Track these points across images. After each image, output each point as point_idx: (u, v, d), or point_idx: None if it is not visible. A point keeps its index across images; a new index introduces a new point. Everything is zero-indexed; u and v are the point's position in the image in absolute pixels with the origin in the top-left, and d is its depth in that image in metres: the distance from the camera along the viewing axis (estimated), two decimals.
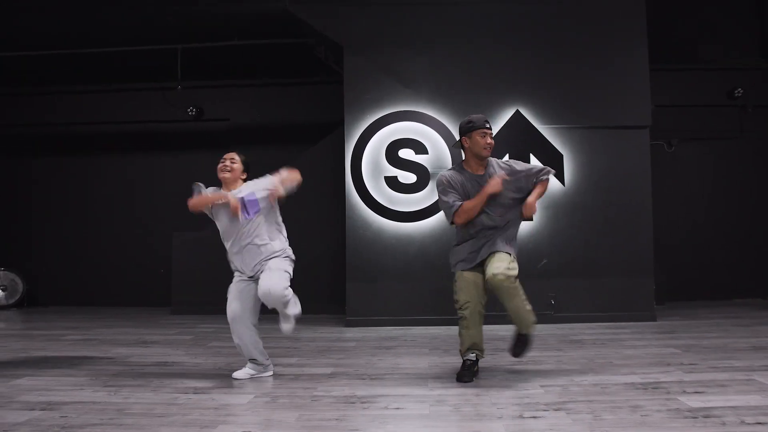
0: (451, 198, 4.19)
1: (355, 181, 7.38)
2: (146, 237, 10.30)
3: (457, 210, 4.14)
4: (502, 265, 3.99)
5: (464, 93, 7.38)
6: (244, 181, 4.53)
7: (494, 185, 4.09)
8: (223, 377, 4.44)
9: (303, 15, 7.54)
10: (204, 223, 9.01)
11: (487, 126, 4.21)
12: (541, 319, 6.96)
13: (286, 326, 4.38)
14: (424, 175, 7.32)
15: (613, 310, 7.16)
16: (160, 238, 9.71)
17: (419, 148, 7.35)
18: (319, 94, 9.56)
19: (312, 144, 8.72)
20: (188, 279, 8.83)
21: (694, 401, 3.44)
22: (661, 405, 3.38)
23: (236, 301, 4.34)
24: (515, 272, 4.02)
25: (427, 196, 7.30)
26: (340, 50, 7.64)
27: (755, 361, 4.57)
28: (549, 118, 7.35)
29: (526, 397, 3.67)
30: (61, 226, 10.52)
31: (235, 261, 4.43)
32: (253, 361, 4.43)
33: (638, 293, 7.22)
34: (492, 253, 4.12)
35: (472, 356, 4.20)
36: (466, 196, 4.18)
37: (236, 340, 4.36)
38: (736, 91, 9.34)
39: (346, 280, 7.35)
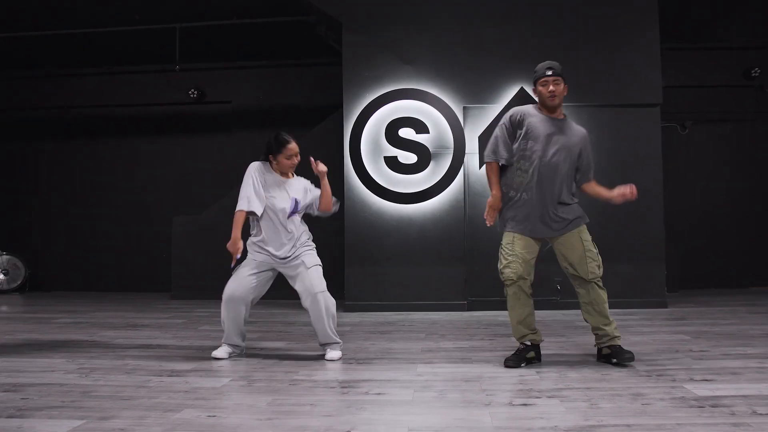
0: (500, 142, 3.95)
1: (353, 161, 7.12)
2: (148, 221, 10.15)
3: (489, 164, 3.97)
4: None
5: (467, 70, 7.08)
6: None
7: None
8: (205, 360, 4.22)
9: None
10: (204, 206, 8.92)
11: (549, 74, 3.87)
12: (547, 305, 6.76)
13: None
14: (425, 155, 7.04)
15: (622, 296, 6.84)
16: (162, 221, 9.53)
17: (420, 127, 7.07)
18: (321, 75, 9.31)
19: (315, 126, 8.47)
20: (188, 263, 8.64)
21: (702, 389, 3.16)
22: (665, 393, 3.11)
23: (241, 283, 4.18)
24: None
25: (429, 176, 7.03)
26: (340, 27, 7.36)
27: None
28: None
29: (520, 383, 3.41)
30: (63, 210, 10.40)
31: (267, 241, 4.24)
32: (230, 344, 4.30)
33: (649, 279, 6.93)
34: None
35: (527, 342, 3.92)
36: (536, 136, 3.83)
37: (228, 318, 4.20)
38: (753, 71, 8.96)
39: (345, 263, 7.11)
